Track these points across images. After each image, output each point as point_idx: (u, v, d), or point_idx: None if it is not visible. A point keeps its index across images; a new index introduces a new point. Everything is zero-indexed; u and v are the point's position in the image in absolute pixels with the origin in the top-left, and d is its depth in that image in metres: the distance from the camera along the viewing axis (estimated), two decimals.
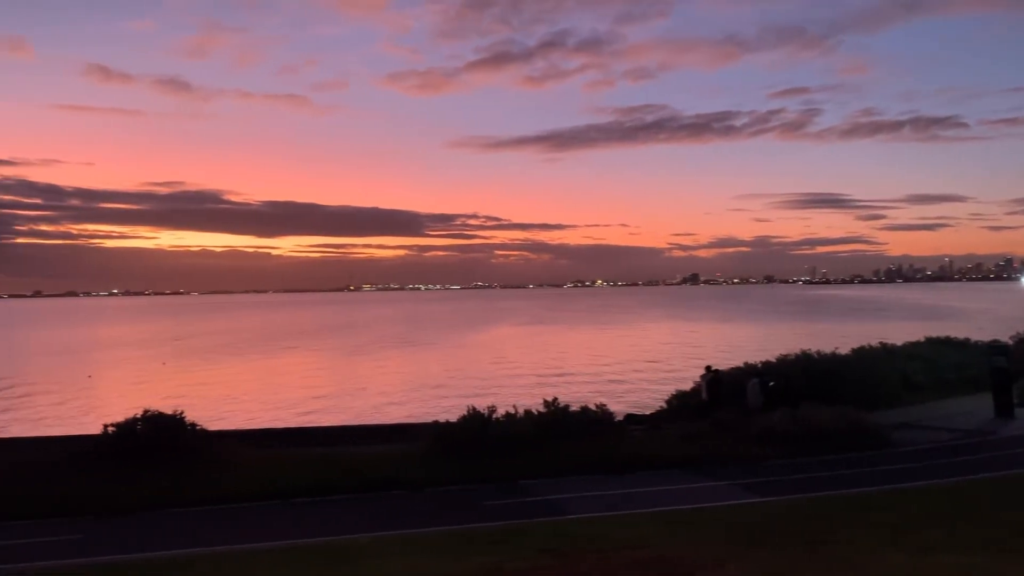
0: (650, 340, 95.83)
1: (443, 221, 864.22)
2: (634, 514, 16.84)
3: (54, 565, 14.40)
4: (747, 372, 29.65)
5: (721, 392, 28.20)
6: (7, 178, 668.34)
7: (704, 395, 28.65)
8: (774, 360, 31.17)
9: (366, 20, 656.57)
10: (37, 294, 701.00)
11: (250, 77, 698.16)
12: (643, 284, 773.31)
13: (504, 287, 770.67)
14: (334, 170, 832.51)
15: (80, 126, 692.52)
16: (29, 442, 28.49)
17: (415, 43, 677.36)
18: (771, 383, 27.79)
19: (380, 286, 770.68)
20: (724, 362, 37.54)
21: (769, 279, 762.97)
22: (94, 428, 23.70)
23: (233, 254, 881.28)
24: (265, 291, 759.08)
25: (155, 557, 14.72)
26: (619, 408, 31.24)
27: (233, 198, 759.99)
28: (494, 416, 23.47)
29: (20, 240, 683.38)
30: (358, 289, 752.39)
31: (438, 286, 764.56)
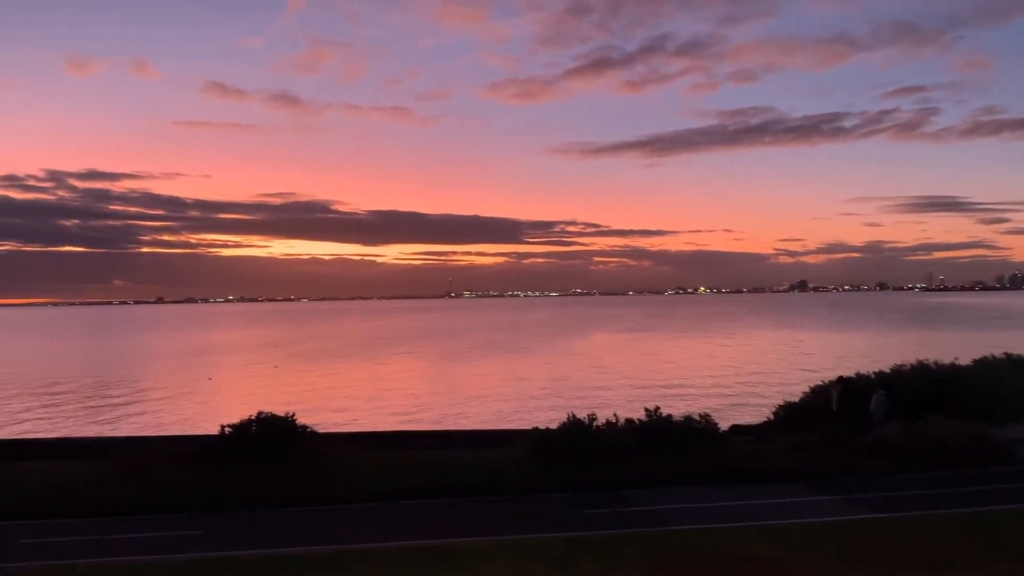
0: (755, 349, 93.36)
1: (542, 228, 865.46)
2: (740, 527, 16.45)
3: (163, 559, 15.17)
4: (873, 383, 28.31)
5: (852, 403, 26.98)
6: (133, 191, 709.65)
7: (834, 405, 27.49)
8: (888, 371, 29.85)
9: (467, 31, 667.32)
10: (160, 300, 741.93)
11: (356, 90, 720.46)
12: (748, 291, 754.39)
13: (603, 294, 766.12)
14: (436, 179, 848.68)
15: (199, 141, 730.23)
16: (154, 441, 30.16)
17: (515, 52, 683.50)
18: (882, 393, 26.60)
19: (479, 293, 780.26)
20: (832, 373, 36.18)
21: (882, 286, 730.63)
22: (213, 429, 24.87)
23: (340, 262, 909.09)
24: (370, 297, 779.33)
25: (270, 554, 15.34)
26: (723, 418, 30.57)
27: (340, 208, 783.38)
28: (594, 424, 23.36)
29: (144, 249, 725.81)
30: (458, 296, 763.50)
31: (537, 293, 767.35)
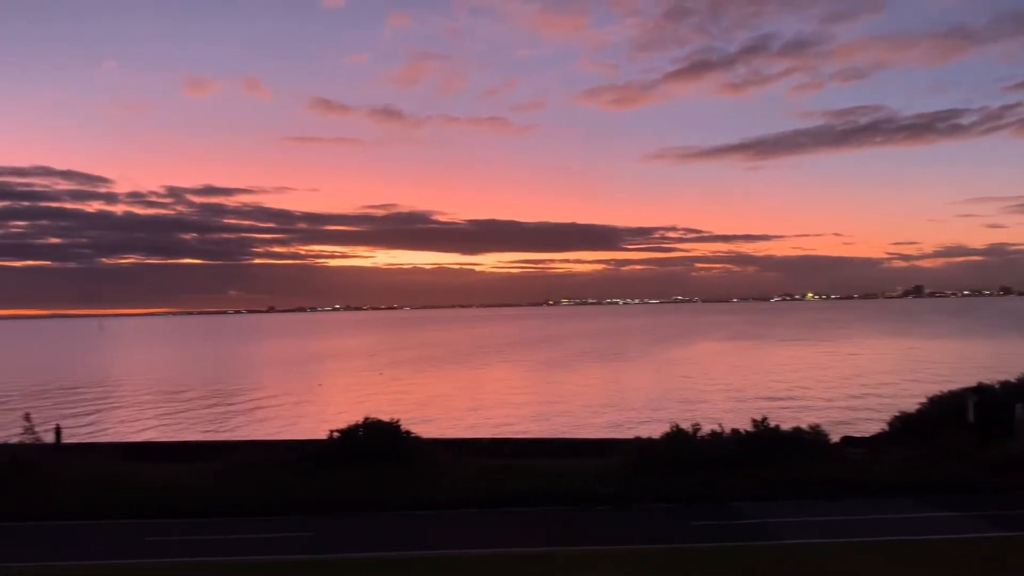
0: (867, 358, 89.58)
1: (641, 235, 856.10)
2: (853, 543, 15.80)
3: (276, 560, 15.70)
4: (1014, 392, 26.45)
5: (992, 415, 25.30)
6: (246, 205, 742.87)
7: (970, 416, 25.87)
8: (1014, 380, 28.03)
9: (565, 40, 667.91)
10: (271, 309, 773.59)
11: (454, 102, 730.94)
12: (859, 297, 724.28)
13: (706, 301, 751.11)
14: (533, 187, 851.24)
15: (307, 155, 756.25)
16: (267, 445, 31.34)
17: (612, 58, 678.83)
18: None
19: (578, 300, 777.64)
20: (948, 383, 34.31)
21: (1006, 290, 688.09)
22: (323, 433, 25.67)
23: (440, 271, 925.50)
24: (470, 306, 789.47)
25: (376, 557, 15.71)
26: (834, 429, 29.45)
27: (440, 218, 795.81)
28: (699, 434, 22.92)
29: (256, 261, 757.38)
30: (556, 303, 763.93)
31: (636, 300, 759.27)
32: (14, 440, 24.10)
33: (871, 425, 35.69)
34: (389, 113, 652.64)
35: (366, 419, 23.73)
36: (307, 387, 69.49)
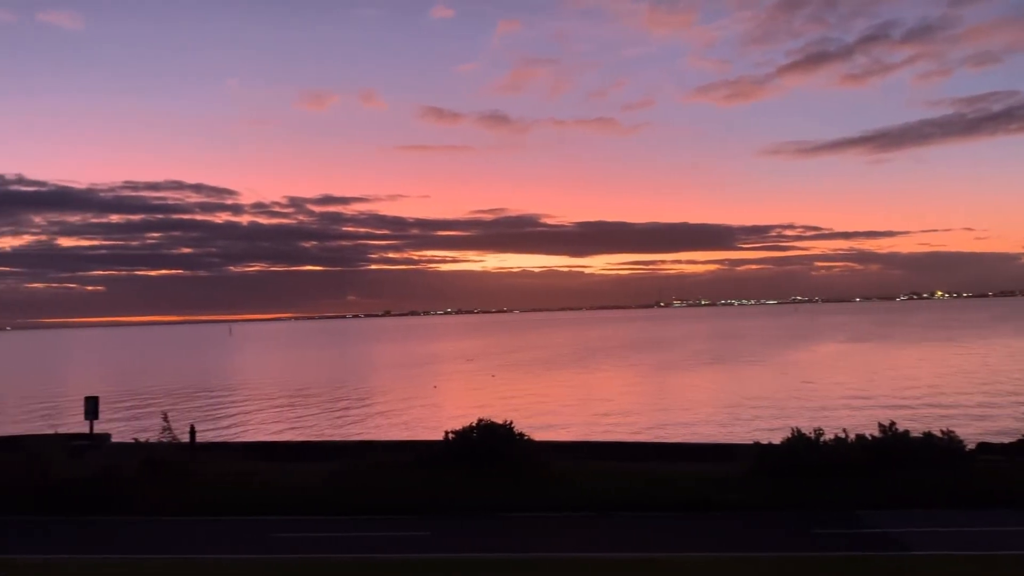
0: (1003, 360, 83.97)
1: (756, 233, 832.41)
2: (988, 556, 14.84)
3: (395, 559, 16.02)
4: None
5: None
6: (362, 213, 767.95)
7: None
8: None
9: (674, 37, 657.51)
10: (386, 313, 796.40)
11: (562, 105, 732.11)
12: (994, 295, 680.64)
13: (827, 301, 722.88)
14: (642, 188, 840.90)
15: (419, 163, 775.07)
16: (384, 445, 32.19)
17: (723, 54, 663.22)
18: None
19: (690, 302, 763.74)
20: None
21: None
22: (438, 434, 26.15)
23: (549, 274, 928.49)
24: (579, 308, 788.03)
25: (492, 558, 15.85)
26: (969, 436, 27.76)
27: (549, 221, 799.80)
28: (822, 439, 22.07)
29: (372, 267, 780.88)
30: (668, 305, 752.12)
31: (752, 301, 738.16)
32: (153, 439, 25.58)
33: (1010, 432, 33.43)
34: (497, 119, 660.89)
35: (480, 421, 24.02)
36: (422, 389, 70.98)
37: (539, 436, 29.83)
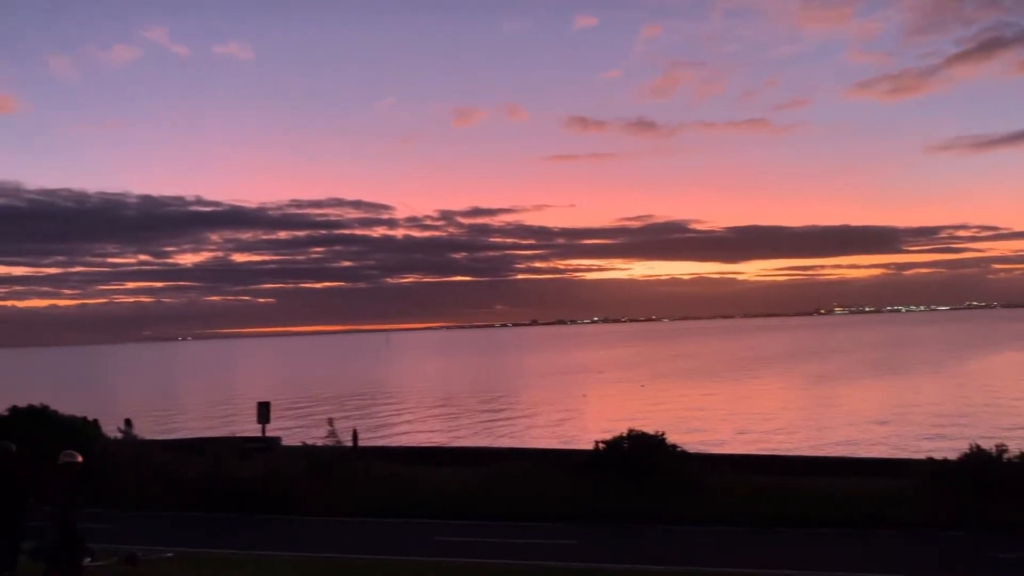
0: None
1: (925, 235, 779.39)
2: None
3: (545, 566, 16.05)
4: None
5: None
6: (508, 224, 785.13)
7: None
8: None
9: (829, 32, 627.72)
10: (533, 322, 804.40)
11: (710, 107, 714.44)
12: None
13: (1007, 307, 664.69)
14: (798, 189, 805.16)
15: (564, 173, 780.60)
16: (533, 453, 32.51)
17: (884, 47, 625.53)
18: None
19: (852, 309, 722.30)
20: None
21: None
22: (586, 443, 26.14)
23: (699, 281, 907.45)
24: (731, 316, 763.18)
25: (645, 570, 15.66)
26: None
27: (698, 227, 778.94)
28: (1004, 456, 20.37)
29: (519, 276, 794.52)
30: (828, 312, 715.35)
31: (921, 307, 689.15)
32: (319, 443, 26.97)
33: None
34: (643, 125, 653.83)
35: (630, 431, 23.81)
36: (571, 398, 71.13)
37: (691, 447, 29.20)
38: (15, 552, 13.39)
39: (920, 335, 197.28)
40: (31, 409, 23.62)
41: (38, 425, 20.22)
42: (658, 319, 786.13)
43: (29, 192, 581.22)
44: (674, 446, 23.50)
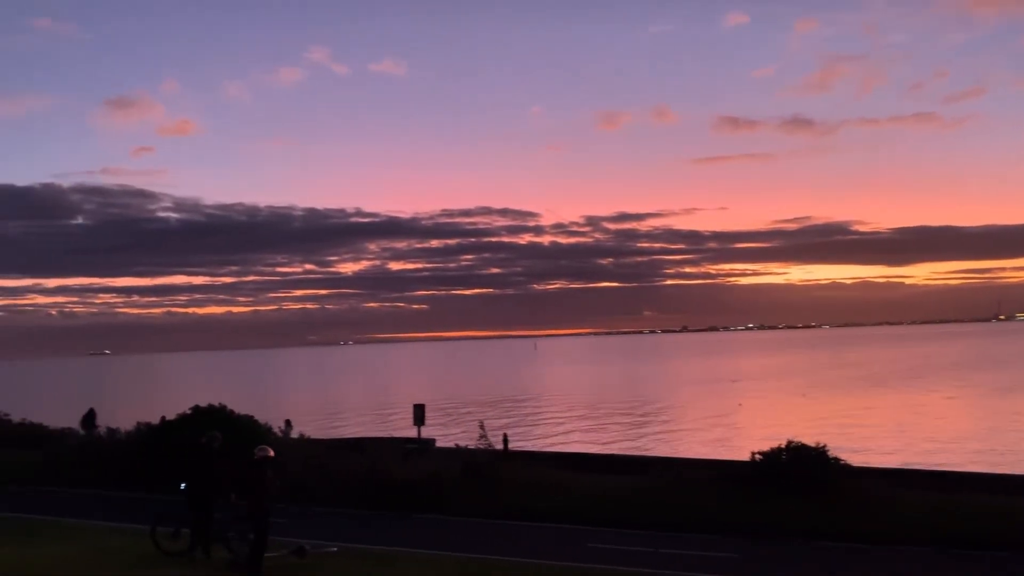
0: None
1: None
2: None
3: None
4: None
5: None
6: (656, 228, 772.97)
7: None
8: None
9: (1006, 16, 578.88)
10: (684, 329, 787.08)
11: (871, 102, 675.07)
12: None
13: None
14: (973, 186, 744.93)
15: (714, 175, 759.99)
16: (687, 462, 31.84)
17: None
18: None
19: None
20: None
21: None
22: (743, 454, 25.27)
23: (863, 285, 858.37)
24: (899, 323, 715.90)
25: None
26: None
27: (860, 228, 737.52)
28: None
29: (668, 282, 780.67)
30: (1009, 318, 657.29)
31: None
32: (471, 445, 27.56)
33: None
34: (799, 123, 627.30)
35: (789, 443, 22.84)
36: (725, 407, 69.11)
37: (855, 461, 27.70)
38: (207, 539, 14.54)
39: None
40: (211, 408, 25.47)
41: (217, 423, 21.73)
42: (818, 326, 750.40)
43: (207, 207, 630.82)
44: (836, 459, 22.34)
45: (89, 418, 31.69)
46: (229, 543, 14.26)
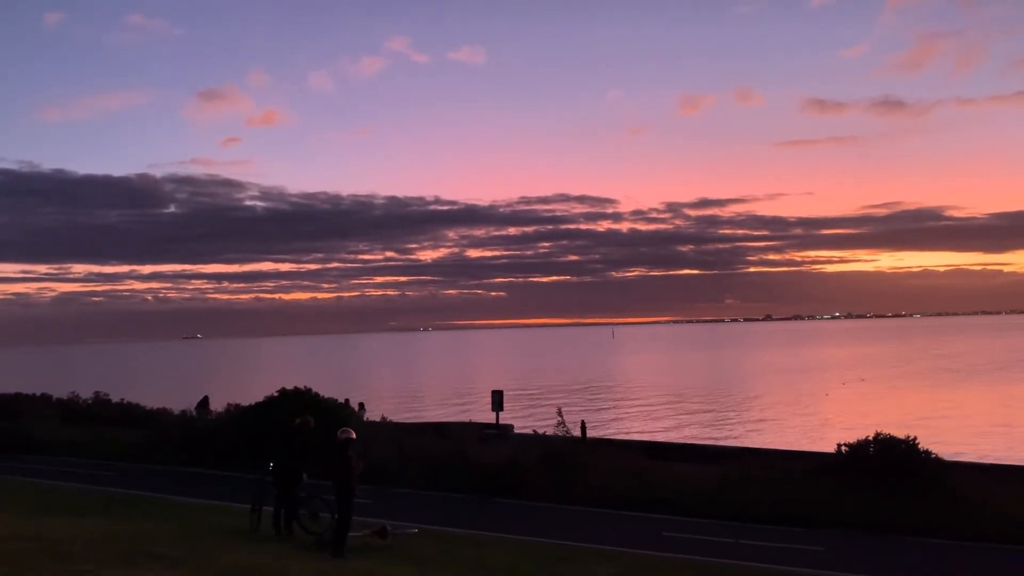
0: None
1: None
2: None
3: (789, 571, 15.31)
4: None
5: None
6: (739, 214, 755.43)
7: None
8: None
9: None
10: (767, 317, 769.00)
11: (970, 81, 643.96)
12: None
13: None
14: None
15: (799, 159, 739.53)
16: (770, 453, 31.26)
17: None
18: None
19: None
20: None
21: None
22: (828, 445, 24.64)
23: (957, 273, 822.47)
24: (997, 312, 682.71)
25: None
26: None
27: (955, 214, 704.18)
28: None
29: (751, 269, 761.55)
30: None
31: None
32: (548, 432, 27.63)
33: None
34: (889, 104, 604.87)
35: (877, 434, 22.14)
36: (812, 397, 67.43)
37: (947, 455, 26.71)
38: (291, 519, 15.09)
39: None
40: (297, 391, 26.25)
41: (303, 406, 22.41)
42: (908, 315, 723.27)
43: (292, 196, 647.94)
44: (927, 452, 21.55)
45: (204, 404, 33.40)
46: (301, 521, 14.82)
